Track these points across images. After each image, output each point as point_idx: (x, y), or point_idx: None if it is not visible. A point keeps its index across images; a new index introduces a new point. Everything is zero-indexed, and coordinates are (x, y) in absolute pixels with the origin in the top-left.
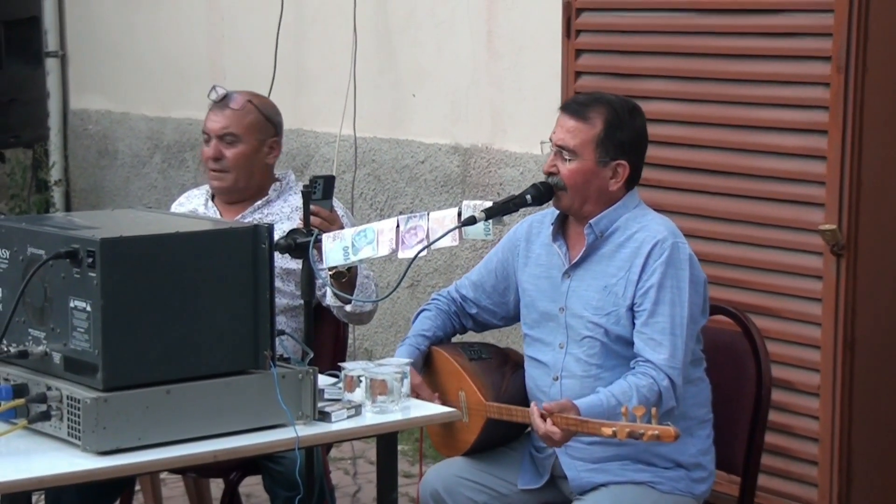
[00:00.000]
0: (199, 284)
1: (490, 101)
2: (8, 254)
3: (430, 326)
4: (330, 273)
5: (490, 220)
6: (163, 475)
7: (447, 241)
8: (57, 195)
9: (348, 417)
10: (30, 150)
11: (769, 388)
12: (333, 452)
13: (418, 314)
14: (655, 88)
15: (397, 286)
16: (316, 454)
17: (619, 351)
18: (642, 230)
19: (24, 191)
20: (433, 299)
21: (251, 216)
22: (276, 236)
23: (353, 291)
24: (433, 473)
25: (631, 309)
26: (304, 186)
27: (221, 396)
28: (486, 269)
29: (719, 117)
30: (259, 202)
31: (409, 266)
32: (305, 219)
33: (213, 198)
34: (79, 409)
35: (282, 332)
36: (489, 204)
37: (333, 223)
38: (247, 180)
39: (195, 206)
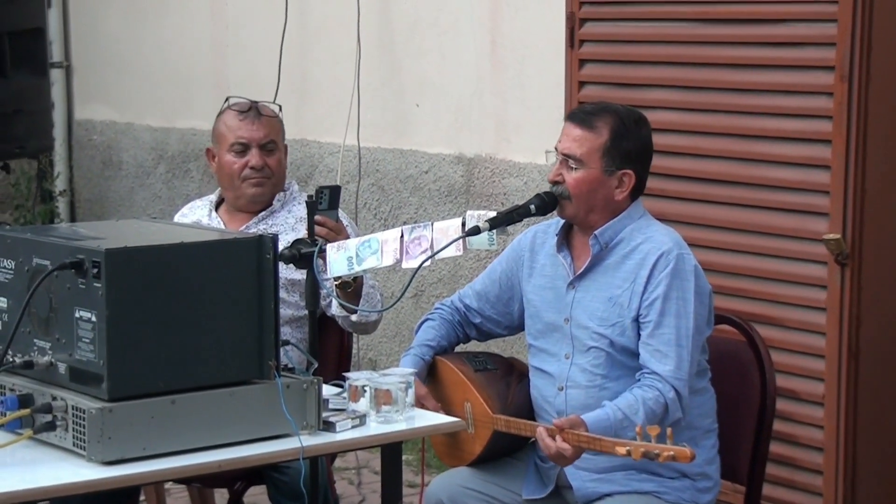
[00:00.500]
0: (204, 295)
1: (494, 111)
2: (13, 264)
3: (434, 336)
4: (336, 283)
5: (494, 231)
6: (167, 485)
7: (451, 252)
8: (62, 205)
9: (353, 427)
10: (34, 160)
11: (773, 398)
12: (338, 462)
13: (421, 323)
14: (659, 98)
15: (401, 296)
16: (320, 464)
17: (624, 361)
18: (647, 241)
19: (29, 201)
20: (436, 309)
21: (256, 226)
22: (281, 247)
23: (360, 301)
24: (437, 483)
25: (636, 320)
26: (309, 197)
27: (226, 406)
28: (490, 278)
29: (723, 127)
30: (263, 212)
31: (413, 276)
32: (310, 229)
33: (216, 208)
34: (84, 420)
35: (286, 343)
36: (493, 214)
37: (339, 233)
38: (280, 187)
39: (198, 216)
